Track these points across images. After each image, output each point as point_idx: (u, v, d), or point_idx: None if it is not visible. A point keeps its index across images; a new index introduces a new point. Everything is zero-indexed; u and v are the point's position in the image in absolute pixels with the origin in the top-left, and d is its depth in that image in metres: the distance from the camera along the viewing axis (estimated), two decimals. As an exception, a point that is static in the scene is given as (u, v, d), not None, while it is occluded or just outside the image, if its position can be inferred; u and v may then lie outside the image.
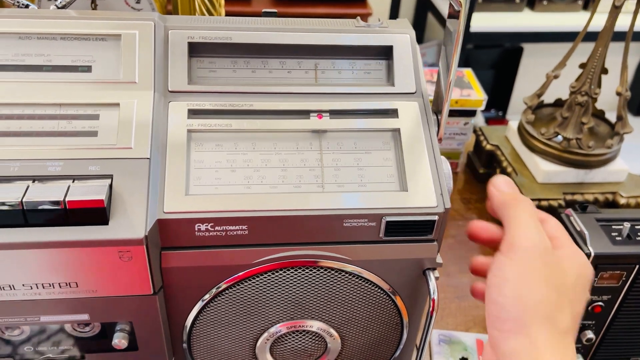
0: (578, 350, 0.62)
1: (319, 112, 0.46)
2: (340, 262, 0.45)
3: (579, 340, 0.61)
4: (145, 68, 0.44)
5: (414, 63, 0.47)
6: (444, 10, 2.07)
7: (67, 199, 0.38)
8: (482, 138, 0.95)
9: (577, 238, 0.56)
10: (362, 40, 0.47)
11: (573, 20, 2.11)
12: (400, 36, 0.48)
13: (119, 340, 0.45)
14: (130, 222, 0.39)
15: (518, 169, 0.87)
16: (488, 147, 0.93)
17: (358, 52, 0.48)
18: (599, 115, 0.89)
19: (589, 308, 0.59)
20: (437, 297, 0.45)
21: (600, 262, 0.55)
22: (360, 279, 0.46)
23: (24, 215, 0.38)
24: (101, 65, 0.44)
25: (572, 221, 0.57)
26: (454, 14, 0.43)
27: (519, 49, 2.42)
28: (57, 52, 0.43)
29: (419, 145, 0.45)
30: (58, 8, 0.48)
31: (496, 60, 2.45)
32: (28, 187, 0.38)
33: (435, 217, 0.43)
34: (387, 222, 0.43)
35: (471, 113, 0.91)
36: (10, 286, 0.40)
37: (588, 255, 0.54)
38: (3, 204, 0.37)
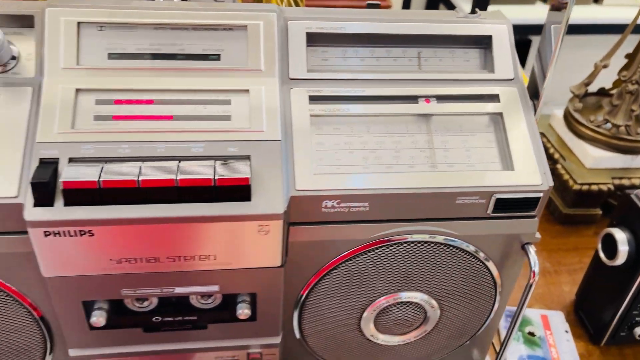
0: (641, 324, 0.66)
1: (427, 97, 0.49)
2: (449, 237, 0.48)
3: (643, 314, 0.65)
4: (269, 56, 0.47)
5: (512, 51, 0.51)
6: (457, 2, 2.09)
7: (216, 177, 0.41)
8: (526, 126, 0.99)
9: (649, 217, 0.59)
10: (464, 30, 0.50)
11: (584, 13, 2.15)
12: (498, 26, 0.51)
13: (243, 310, 0.48)
14: (270, 199, 0.43)
15: (565, 155, 0.90)
16: (533, 134, 0.96)
17: (458, 41, 0.51)
18: (644, 102, 0.92)
19: (657, 283, 0.62)
20: (537, 270, 0.49)
21: (672, 239, 0.58)
22: (465, 253, 0.49)
23: (178, 192, 0.41)
24: (229, 53, 0.47)
25: (643, 201, 0.61)
26: (559, 7, 0.46)
27: (527, 41, 2.45)
28: (189, 41, 0.46)
29: (520, 128, 0.48)
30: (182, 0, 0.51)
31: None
32: (178, 166, 0.41)
33: (541, 194, 0.47)
34: (497, 199, 0.46)
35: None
36: (155, 259, 0.44)
37: (661, 232, 0.58)
38: (158, 181, 0.40)
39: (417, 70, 0.51)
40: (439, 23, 0.50)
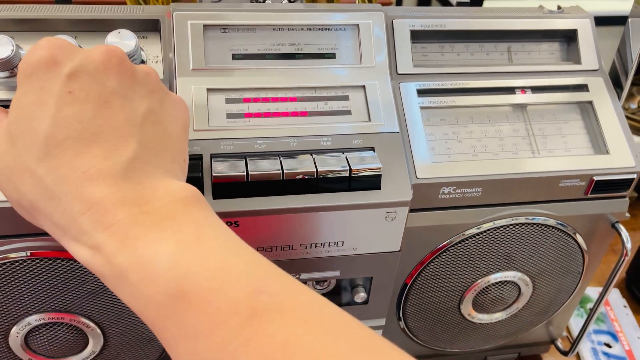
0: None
1: (522, 88, 0.52)
2: (548, 218, 0.51)
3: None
4: (380, 53, 0.50)
5: (595, 43, 0.54)
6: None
7: (352, 167, 0.44)
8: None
9: None
10: (551, 25, 0.54)
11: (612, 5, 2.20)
12: (582, 20, 0.54)
13: (359, 294, 0.51)
14: (398, 187, 0.45)
15: (600, 141, 0.95)
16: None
17: (546, 35, 0.54)
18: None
19: None
20: (629, 246, 0.52)
21: None
22: (561, 233, 0.53)
23: (317, 183, 0.44)
24: (343, 52, 0.49)
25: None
26: (647, 0, 0.50)
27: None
28: (305, 41, 0.49)
29: (610, 115, 0.52)
30: (290, 2, 0.53)
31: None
32: (314, 159, 0.44)
33: (634, 175, 0.50)
34: (597, 182, 0.50)
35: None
36: (289, 246, 0.46)
37: None
38: (301, 173, 0.43)
39: (508, 63, 0.54)
40: (528, 19, 0.54)
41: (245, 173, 0.42)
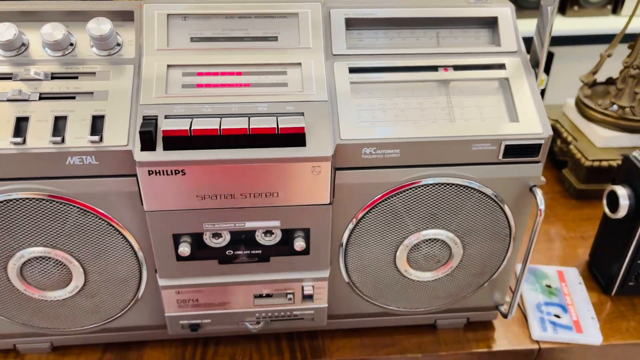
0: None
1: (445, 67, 0.60)
2: (467, 180, 0.58)
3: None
4: (316, 37, 0.58)
5: (514, 28, 0.61)
6: None
7: (279, 126, 0.52)
8: (542, 114, 1.08)
9: (645, 171, 0.68)
10: (475, 13, 0.61)
11: (603, 24, 2.22)
12: (503, 9, 0.62)
13: (299, 243, 0.59)
14: (321, 145, 0.54)
15: (577, 137, 1.00)
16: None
17: (470, 22, 0.62)
18: (648, 88, 1.01)
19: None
20: (543, 208, 0.58)
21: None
22: (481, 194, 0.59)
23: (249, 139, 0.52)
24: (284, 35, 0.58)
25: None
26: (551, -13, 0.57)
27: (550, 54, 2.52)
28: (252, 27, 0.58)
29: (524, 90, 0.59)
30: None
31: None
32: (250, 120, 0.53)
33: (542, 141, 0.57)
34: (506, 146, 0.56)
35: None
36: (231, 195, 0.55)
37: (655, 183, 0.67)
38: (235, 130, 0.52)
39: (436, 46, 0.62)
40: (454, 7, 0.61)
41: (188, 129, 0.51)
